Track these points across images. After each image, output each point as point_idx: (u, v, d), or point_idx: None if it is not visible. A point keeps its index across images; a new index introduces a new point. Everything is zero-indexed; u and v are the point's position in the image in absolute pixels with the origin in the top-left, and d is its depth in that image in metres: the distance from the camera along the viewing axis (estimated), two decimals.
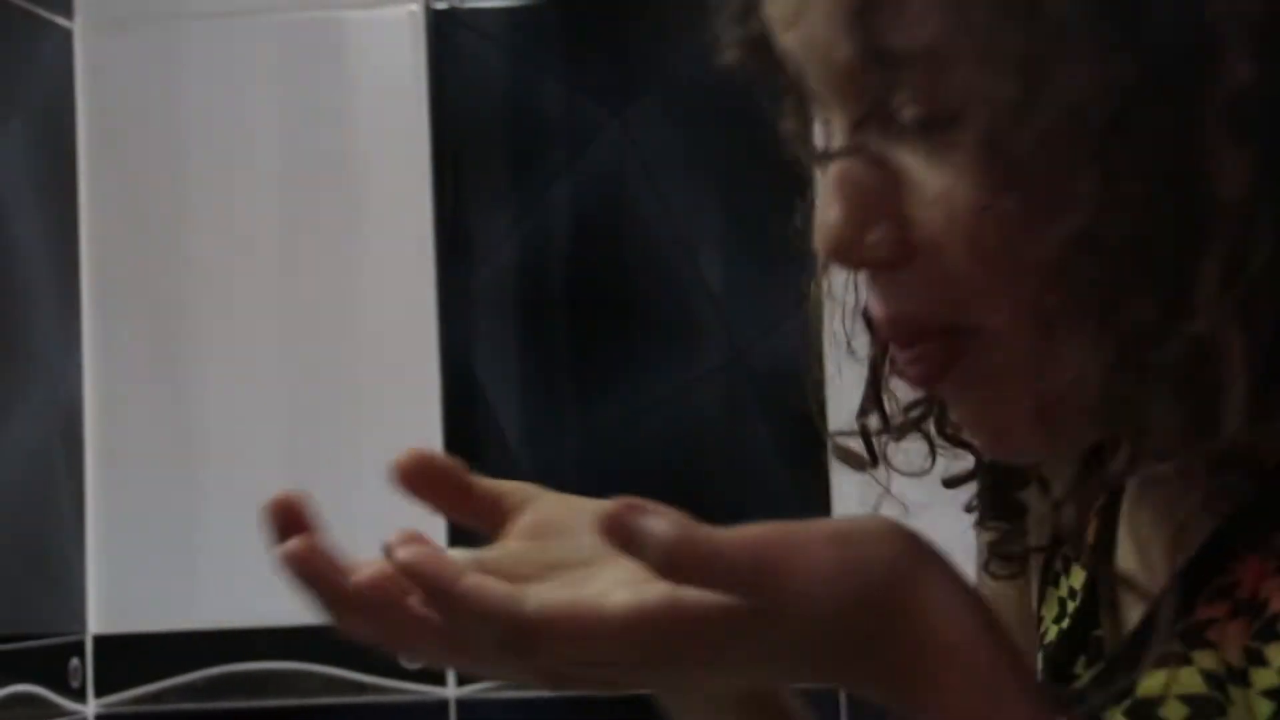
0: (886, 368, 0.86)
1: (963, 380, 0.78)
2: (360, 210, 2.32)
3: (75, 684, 2.30)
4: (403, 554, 0.75)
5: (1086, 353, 0.72)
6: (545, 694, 2.47)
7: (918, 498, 0.89)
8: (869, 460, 0.89)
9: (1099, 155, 0.70)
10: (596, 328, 2.29)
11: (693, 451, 2.25)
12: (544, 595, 0.70)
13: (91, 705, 2.33)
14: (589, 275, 2.29)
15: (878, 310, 0.78)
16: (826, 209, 0.77)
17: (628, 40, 2.30)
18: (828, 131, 0.81)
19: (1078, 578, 0.87)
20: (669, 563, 0.69)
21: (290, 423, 2.31)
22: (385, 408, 2.29)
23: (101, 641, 2.33)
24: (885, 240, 0.75)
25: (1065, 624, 0.87)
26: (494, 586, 0.71)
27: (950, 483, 0.90)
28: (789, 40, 0.77)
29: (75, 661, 2.30)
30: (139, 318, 2.34)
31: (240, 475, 2.31)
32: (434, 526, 2.26)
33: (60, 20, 2.34)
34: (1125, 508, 0.86)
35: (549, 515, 0.86)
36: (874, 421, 0.89)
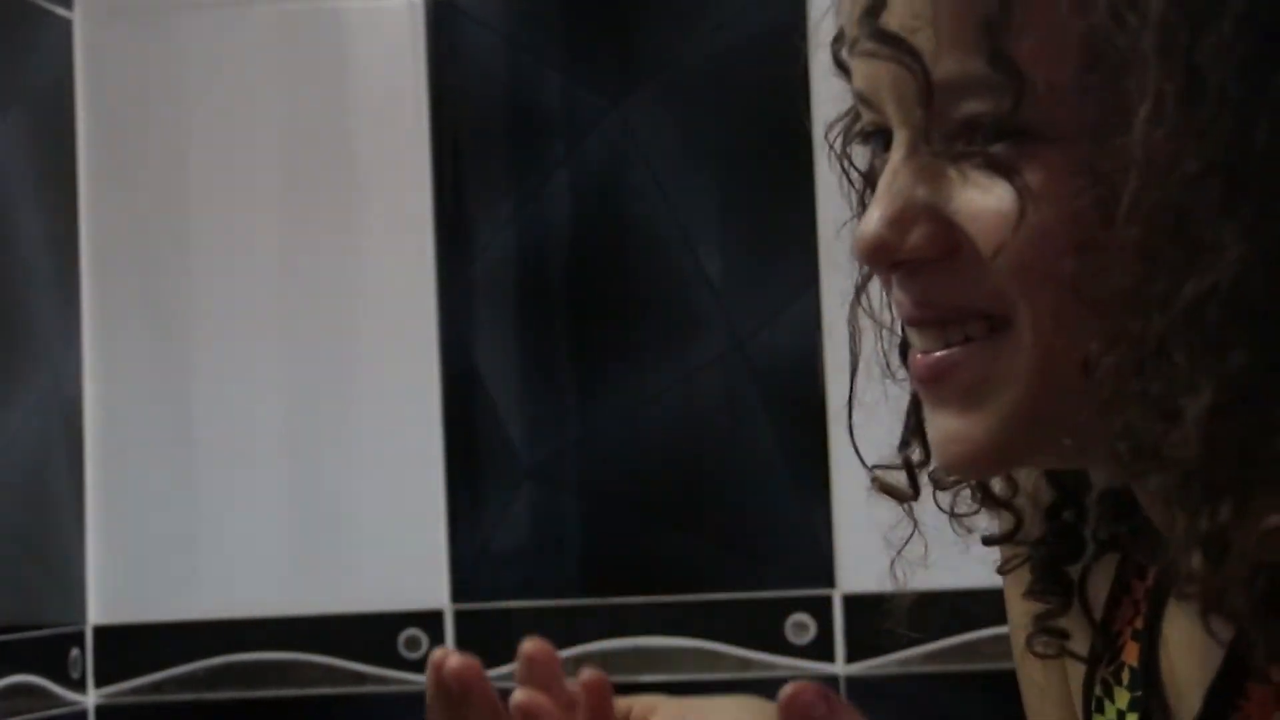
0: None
1: (968, 381, 0.80)
2: (360, 200, 2.31)
3: (75, 674, 2.30)
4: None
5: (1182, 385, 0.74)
6: None
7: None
8: (910, 493, 0.90)
9: (1231, 206, 0.73)
10: (596, 318, 2.28)
11: (692, 442, 2.25)
12: None
13: (91, 695, 2.33)
14: (588, 266, 2.29)
15: (907, 300, 0.81)
16: (870, 212, 0.80)
17: (627, 30, 2.30)
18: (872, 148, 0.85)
19: (1123, 699, 0.88)
20: None
21: (290, 413, 2.31)
22: (385, 398, 2.29)
23: (101, 632, 2.33)
24: (926, 238, 0.79)
25: None
26: None
27: (990, 541, 0.93)
28: (917, 41, 0.79)
29: (75, 652, 2.30)
30: (138, 309, 2.34)
31: (240, 467, 2.31)
32: (434, 525, 2.24)
33: (60, 10, 2.34)
34: (1165, 630, 0.87)
35: None
36: (916, 454, 0.90)
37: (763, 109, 2.25)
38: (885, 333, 0.90)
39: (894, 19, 0.79)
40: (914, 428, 0.90)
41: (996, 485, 0.90)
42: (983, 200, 0.77)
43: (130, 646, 2.33)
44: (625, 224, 2.28)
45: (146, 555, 2.32)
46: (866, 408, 0.92)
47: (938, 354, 0.80)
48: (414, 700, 2.29)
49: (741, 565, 2.22)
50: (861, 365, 0.91)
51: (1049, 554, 0.92)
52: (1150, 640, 0.87)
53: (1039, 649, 0.92)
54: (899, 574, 0.91)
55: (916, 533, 0.90)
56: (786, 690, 0.71)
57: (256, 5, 2.34)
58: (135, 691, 2.33)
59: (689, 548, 2.24)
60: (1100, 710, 0.90)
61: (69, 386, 2.31)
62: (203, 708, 2.32)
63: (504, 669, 2.46)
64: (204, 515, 2.32)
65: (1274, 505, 0.73)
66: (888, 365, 0.90)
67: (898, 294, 0.82)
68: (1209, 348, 0.73)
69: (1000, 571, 0.95)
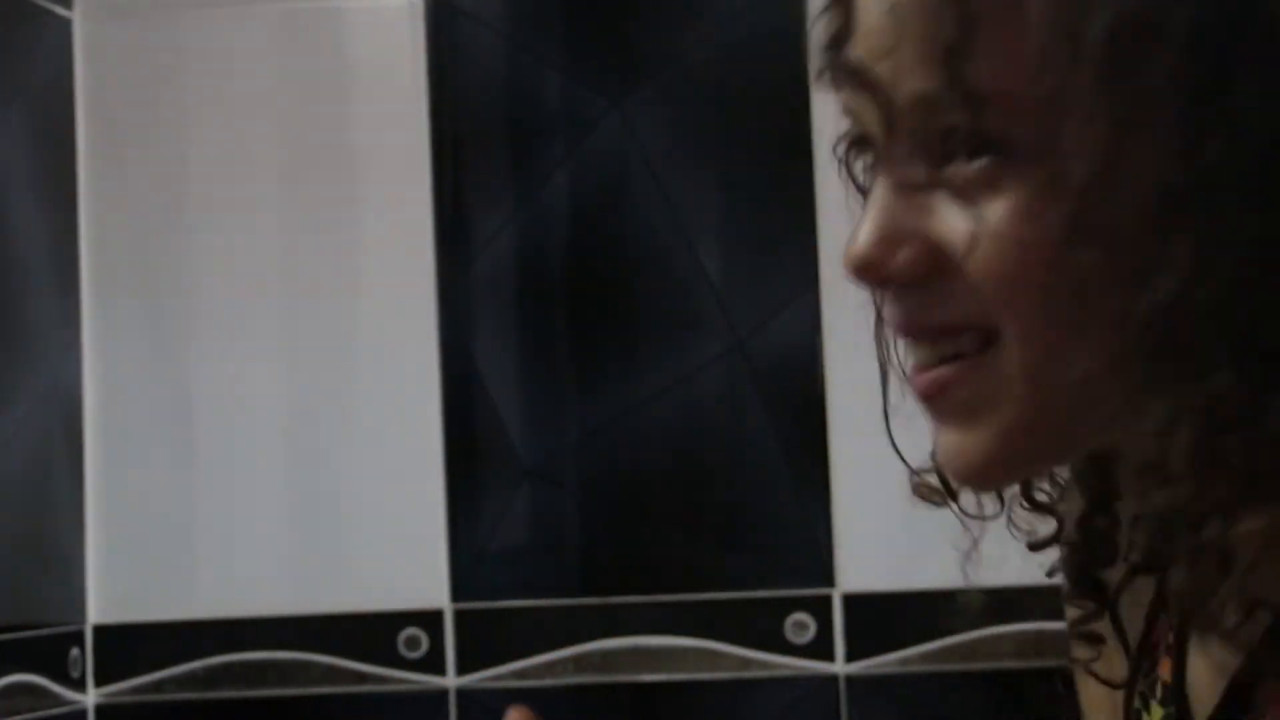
0: None
1: (963, 398, 0.81)
2: (359, 199, 2.31)
3: (75, 674, 2.30)
4: None
5: (1161, 405, 0.76)
6: (545, 684, 2.46)
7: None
8: (948, 496, 0.91)
9: (1179, 223, 0.75)
10: (596, 317, 2.28)
11: (693, 440, 2.25)
12: None
13: (91, 695, 2.33)
14: (588, 264, 2.29)
15: (897, 319, 0.83)
16: (857, 231, 0.82)
17: (627, 29, 2.30)
18: (869, 162, 0.86)
19: (1157, 715, 0.89)
20: None
21: (290, 412, 2.31)
22: (385, 398, 2.29)
23: (101, 631, 2.33)
24: (911, 259, 0.81)
25: None
26: None
27: (1035, 546, 0.93)
28: (880, 70, 0.81)
29: (75, 651, 2.30)
30: (138, 308, 2.34)
31: (240, 465, 2.31)
32: (434, 524, 2.24)
33: (59, 9, 2.34)
34: (1197, 641, 0.88)
35: None
36: None
37: (763, 108, 2.25)
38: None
39: (859, 46, 0.81)
40: None
41: (1037, 490, 0.92)
42: (964, 219, 0.79)
43: (130, 646, 2.33)
44: (625, 224, 2.28)
45: (146, 554, 2.32)
46: (905, 414, 0.92)
47: (932, 372, 0.82)
48: (414, 700, 2.29)
49: (741, 565, 2.22)
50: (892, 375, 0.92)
51: (1080, 560, 0.93)
52: (1180, 656, 0.88)
53: (1080, 654, 0.94)
54: (967, 571, 0.92)
55: (973, 529, 0.91)
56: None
57: (256, 4, 2.34)
58: (135, 691, 2.33)
59: (689, 547, 2.23)
60: None
61: (69, 385, 2.31)
62: (203, 707, 2.31)
63: (503, 668, 2.46)
64: (204, 514, 2.32)
65: (1259, 514, 0.75)
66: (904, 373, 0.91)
67: (889, 310, 0.84)
68: (1168, 363, 0.75)
69: (1049, 575, 0.96)
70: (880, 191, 0.82)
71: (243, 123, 2.33)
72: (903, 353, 0.87)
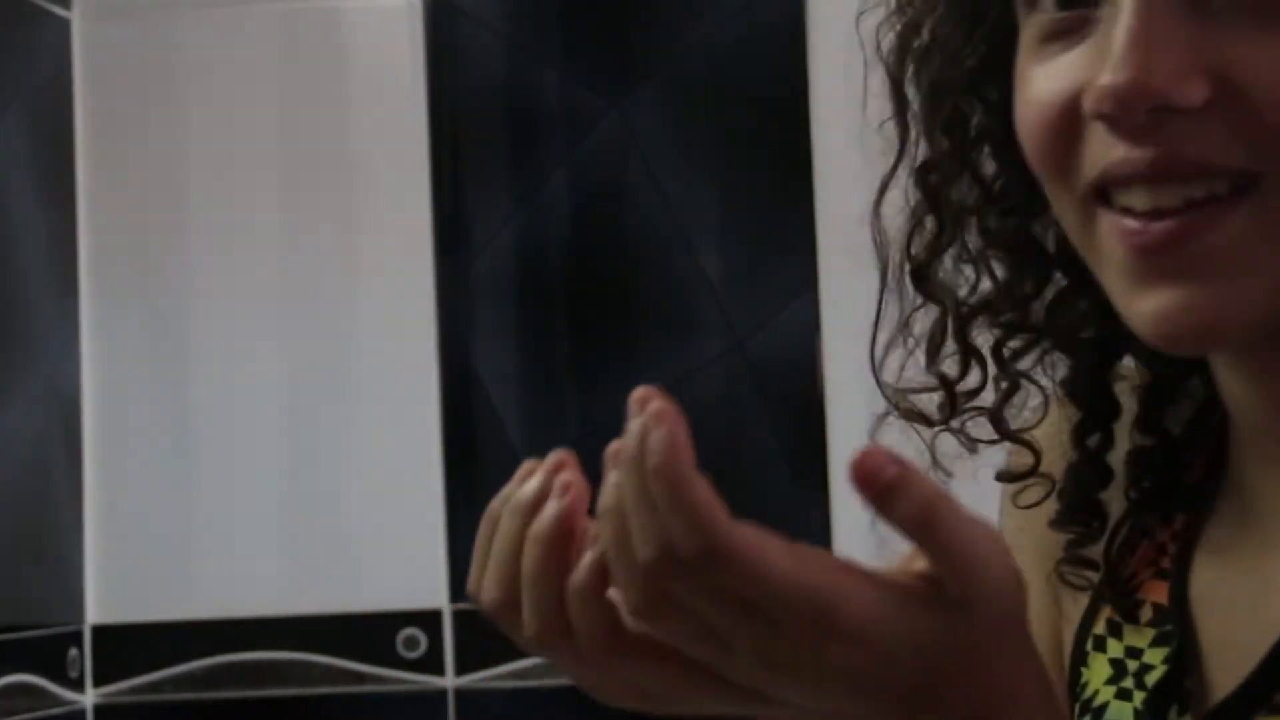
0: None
1: (1217, 245, 0.75)
2: (359, 199, 2.31)
3: (74, 674, 2.30)
4: (656, 431, 0.75)
5: None
6: (542, 684, 2.45)
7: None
8: (943, 415, 0.88)
9: None
10: (594, 317, 2.28)
11: (692, 440, 2.24)
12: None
13: (90, 695, 2.32)
14: (587, 264, 2.29)
15: (1149, 152, 0.75)
16: (1130, 45, 0.74)
17: (625, 29, 2.30)
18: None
19: (1142, 636, 0.87)
20: (920, 518, 0.68)
21: (288, 412, 2.31)
22: (383, 397, 2.29)
23: (100, 631, 2.33)
24: (1197, 83, 0.74)
25: (1151, 682, 0.86)
26: (710, 492, 0.72)
27: (1006, 477, 0.91)
28: None
29: (74, 651, 2.30)
30: (137, 307, 2.34)
31: (239, 466, 2.31)
32: (433, 524, 2.23)
33: (58, 10, 2.34)
34: (1200, 566, 0.86)
35: None
36: (950, 371, 0.88)
37: (762, 108, 2.25)
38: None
39: None
40: (955, 341, 0.88)
41: (1013, 419, 0.88)
42: (1261, 47, 0.73)
43: (128, 646, 2.33)
44: (624, 224, 2.28)
45: (145, 555, 2.32)
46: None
47: (1180, 216, 0.75)
48: (412, 700, 2.29)
49: None
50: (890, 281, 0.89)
51: (1079, 478, 0.89)
52: (1180, 579, 0.86)
53: (1072, 580, 0.90)
54: None
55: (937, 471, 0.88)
56: (854, 456, 0.69)
57: (255, 4, 2.34)
58: (134, 691, 2.33)
59: None
60: (1102, 649, 0.89)
61: (67, 385, 2.31)
62: (201, 707, 2.31)
63: (502, 668, 2.46)
64: (202, 515, 2.31)
65: None
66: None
67: (1123, 149, 0.75)
68: None
69: (1019, 504, 0.92)
70: (1150, 3, 0.74)
71: (241, 123, 2.33)
72: (1130, 199, 0.77)
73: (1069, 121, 0.77)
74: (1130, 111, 0.74)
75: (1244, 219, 0.74)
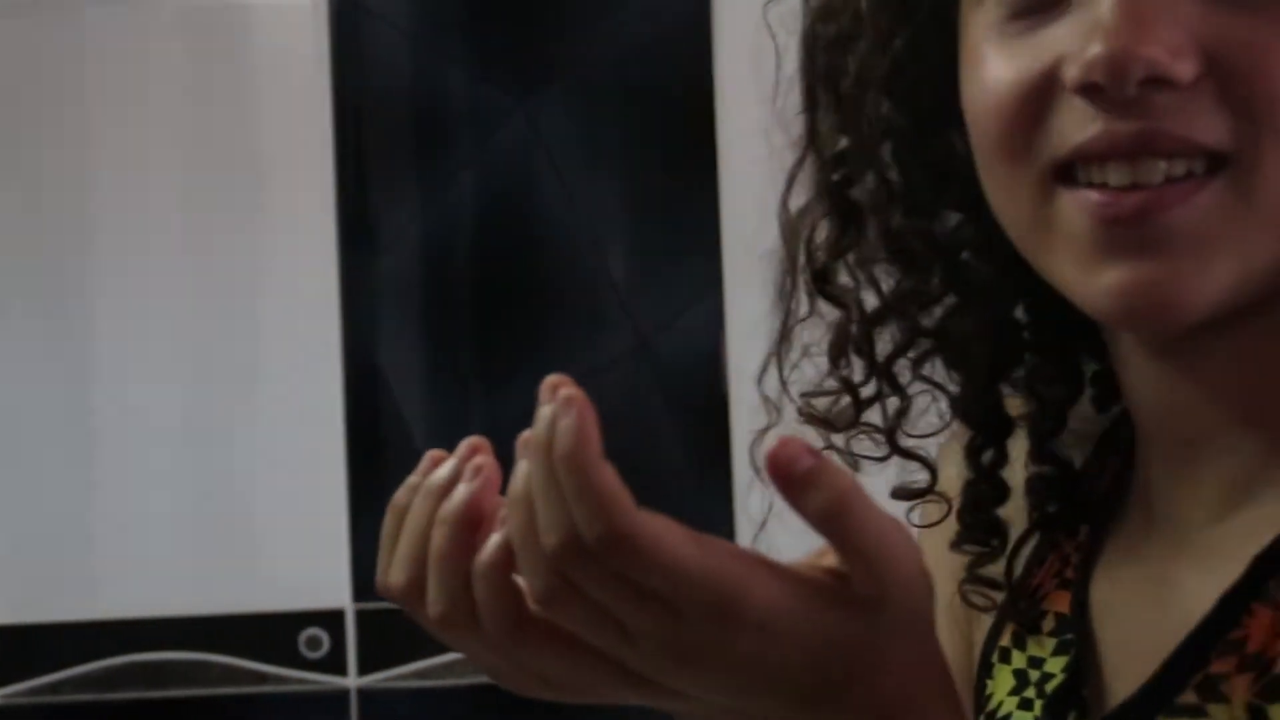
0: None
1: (1192, 219, 0.75)
2: (263, 198, 2.30)
3: None
4: (565, 418, 0.73)
5: None
6: (445, 684, 2.44)
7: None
8: (848, 417, 0.88)
9: None
10: (500, 316, 2.28)
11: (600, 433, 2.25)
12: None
13: None
14: (493, 264, 2.29)
15: (1134, 128, 0.75)
16: (1115, 18, 0.74)
17: (532, 29, 2.30)
18: None
19: (1044, 646, 0.87)
20: (829, 511, 0.67)
21: (191, 411, 2.30)
22: (287, 396, 2.28)
23: None
24: (1189, 58, 0.74)
25: (1050, 689, 0.86)
26: (616, 479, 0.70)
27: (901, 495, 0.90)
28: None
29: None
30: (36, 306, 2.32)
31: (140, 465, 2.29)
32: (336, 524, 2.21)
33: None
34: (1103, 574, 0.87)
35: None
36: (852, 374, 0.88)
37: (669, 109, 2.26)
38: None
39: None
40: (855, 342, 0.87)
41: (906, 438, 0.88)
42: (1250, 26, 0.74)
43: (28, 647, 2.31)
44: (530, 223, 2.28)
45: (45, 555, 2.30)
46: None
47: (1154, 190, 0.75)
48: (314, 700, 2.29)
49: None
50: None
51: (974, 496, 0.89)
52: (1082, 587, 0.87)
53: (974, 600, 0.90)
54: None
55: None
56: (770, 446, 0.67)
57: (158, 2, 2.32)
58: (33, 692, 2.31)
59: None
60: (1006, 660, 0.89)
61: None
62: (102, 708, 2.30)
63: (405, 668, 2.45)
64: (102, 513, 2.30)
65: None
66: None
67: (1102, 122, 0.75)
68: None
69: (921, 526, 0.92)
70: None
71: (144, 121, 2.31)
72: (1105, 174, 0.76)
73: (1037, 98, 0.77)
74: (1123, 81, 0.73)
75: (1214, 196, 0.75)
